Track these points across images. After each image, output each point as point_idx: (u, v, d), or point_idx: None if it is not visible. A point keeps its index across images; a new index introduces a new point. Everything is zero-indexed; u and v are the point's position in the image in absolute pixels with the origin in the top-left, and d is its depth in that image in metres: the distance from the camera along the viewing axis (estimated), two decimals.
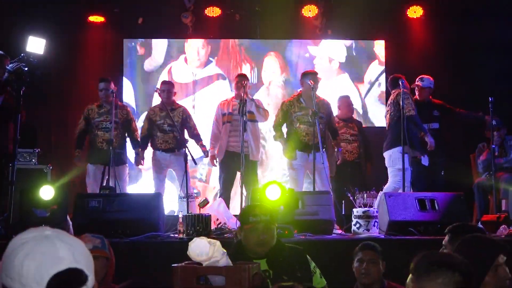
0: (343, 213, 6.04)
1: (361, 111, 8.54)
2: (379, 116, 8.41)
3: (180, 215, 5.05)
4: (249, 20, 8.46)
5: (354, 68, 8.69)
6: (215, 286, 2.56)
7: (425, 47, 8.43)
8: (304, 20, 8.49)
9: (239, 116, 6.11)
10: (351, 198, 5.51)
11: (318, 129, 6.02)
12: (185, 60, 8.62)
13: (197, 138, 6.87)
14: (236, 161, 6.40)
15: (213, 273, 2.56)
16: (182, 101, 8.23)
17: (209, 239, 2.62)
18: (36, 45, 5.22)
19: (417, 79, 6.98)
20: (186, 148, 6.22)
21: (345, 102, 7.31)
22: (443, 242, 3.08)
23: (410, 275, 2.06)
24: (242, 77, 6.87)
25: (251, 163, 6.56)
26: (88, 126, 6.72)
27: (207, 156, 6.92)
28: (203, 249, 2.57)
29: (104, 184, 6.07)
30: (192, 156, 6.19)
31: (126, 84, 8.49)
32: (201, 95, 8.52)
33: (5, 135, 5.56)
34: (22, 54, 5.10)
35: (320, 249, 4.37)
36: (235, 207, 6.81)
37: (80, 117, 6.81)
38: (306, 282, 2.96)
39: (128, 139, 6.92)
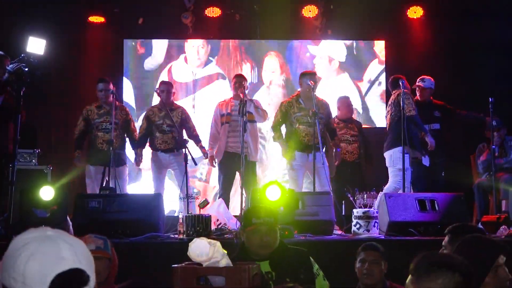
0: (343, 213, 6.04)
1: (361, 111, 8.54)
2: (379, 115, 8.42)
3: (180, 216, 5.05)
4: (249, 20, 8.46)
5: (354, 67, 8.69)
6: (215, 287, 2.56)
7: (425, 47, 8.44)
8: (304, 21, 8.49)
9: (239, 116, 6.11)
10: (351, 198, 5.51)
11: (319, 129, 6.02)
12: (185, 59, 8.63)
13: (196, 139, 6.85)
14: (235, 162, 6.40)
15: (213, 274, 2.56)
16: (182, 100, 8.24)
17: (209, 240, 2.63)
18: (36, 45, 5.21)
19: (418, 80, 6.98)
20: (186, 149, 6.21)
21: (345, 102, 7.31)
22: (443, 243, 3.08)
23: (410, 276, 2.06)
24: (239, 78, 6.87)
25: (250, 164, 6.55)
26: (88, 127, 6.70)
27: (206, 158, 6.92)
28: (203, 250, 2.57)
29: (104, 185, 6.07)
30: (192, 157, 6.18)
31: (126, 83, 8.50)
32: (201, 94, 8.53)
33: (5, 135, 5.56)
34: (22, 55, 5.09)
35: (320, 250, 4.36)
36: (235, 208, 6.81)
37: (79, 117, 6.80)
38: (309, 284, 2.96)
39: (127, 139, 6.91)
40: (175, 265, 2.62)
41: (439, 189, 6.17)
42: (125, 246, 4.56)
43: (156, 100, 7.67)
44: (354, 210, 5.25)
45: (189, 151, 6.15)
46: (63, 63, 8.07)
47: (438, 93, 7.10)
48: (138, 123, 7.35)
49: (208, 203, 5.46)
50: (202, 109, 8.28)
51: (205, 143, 6.91)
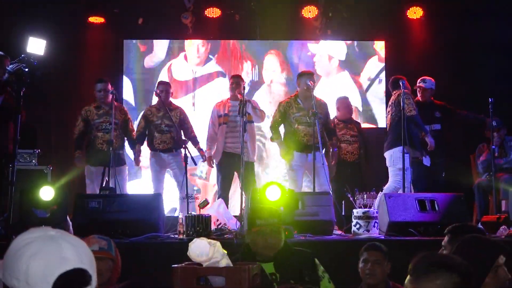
0: (343, 214, 6.04)
1: (361, 109, 8.54)
2: (380, 114, 8.42)
3: (180, 216, 5.05)
4: (249, 21, 8.46)
5: (354, 65, 8.69)
6: (215, 287, 2.56)
7: (425, 47, 8.44)
8: (304, 21, 8.49)
9: (237, 117, 6.11)
10: (351, 198, 5.51)
11: (318, 130, 6.02)
12: (185, 57, 8.63)
13: (193, 140, 6.83)
14: (233, 162, 6.40)
15: (213, 274, 2.57)
16: (182, 99, 8.25)
17: (209, 240, 2.63)
18: (36, 46, 5.20)
19: (419, 81, 6.98)
20: (186, 149, 6.21)
21: (344, 103, 7.31)
22: (443, 243, 3.07)
23: (409, 276, 2.06)
24: (237, 78, 6.87)
25: (248, 165, 6.54)
26: (87, 127, 6.69)
27: (204, 160, 6.92)
28: (203, 250, 2.57)
29: (104, 185, 6.07)
30: (191, 157, 6.18)
31: (126, 82, 8.50)
32: (201, 93, 8.53)
33: (5, 135, 5.56)
34: (22, 55, 5.09)
35: (320, 250, 4.35)
36: (234, 208, 6.81)
37: (78, 118, 6.79)
38: (313, 286, 2.95)
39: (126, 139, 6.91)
40: (175, 265, 2.62)
41: (439, 189, 6.17)
42: (125, 246, 4.53)
43: (156, 99, 7.67)
44: (354, 210, 5.25)
45: (188, 151, 6.15)
46: (63, 63, 8.07)
47: (438, 93, 7.10)
48: (137, 122, 7.34)
49: (208, 203, 5.47)
50: (202, 107, 8.28)
51: (203, 143, 6.90)
